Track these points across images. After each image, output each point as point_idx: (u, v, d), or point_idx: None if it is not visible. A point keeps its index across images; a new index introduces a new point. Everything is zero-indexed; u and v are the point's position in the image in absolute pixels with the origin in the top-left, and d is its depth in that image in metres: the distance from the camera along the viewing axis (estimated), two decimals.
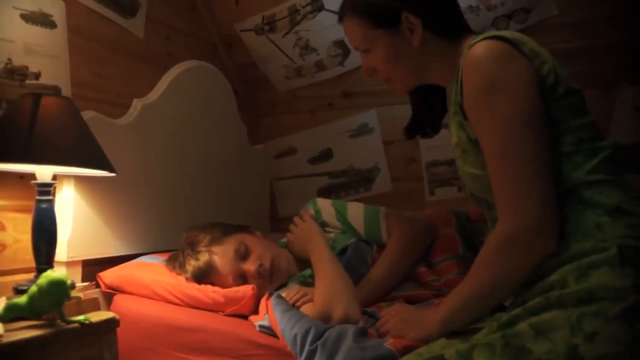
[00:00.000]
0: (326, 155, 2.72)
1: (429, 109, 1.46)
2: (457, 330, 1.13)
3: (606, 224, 1.02)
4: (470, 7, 2.18)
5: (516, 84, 1.09)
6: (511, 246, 1.06)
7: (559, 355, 0.90)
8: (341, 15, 1.35)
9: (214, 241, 1.69)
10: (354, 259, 1.66)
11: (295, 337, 1.33)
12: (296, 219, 1.80)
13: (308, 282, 1.63)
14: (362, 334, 1.27)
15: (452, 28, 1.26)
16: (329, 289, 1.49)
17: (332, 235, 1.77)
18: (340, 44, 2.49)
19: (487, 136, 1.12)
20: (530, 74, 1.10)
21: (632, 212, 1.04)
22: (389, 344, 1.19)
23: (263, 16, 2.57)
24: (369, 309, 1.50)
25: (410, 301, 1.58)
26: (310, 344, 1.28)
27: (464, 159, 1.24)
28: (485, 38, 1.14)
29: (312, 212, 1.84)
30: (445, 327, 1.11)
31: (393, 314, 1.30)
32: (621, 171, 1.14)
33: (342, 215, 1.79)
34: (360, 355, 1.18)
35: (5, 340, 1.09)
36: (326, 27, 2.46)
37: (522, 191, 1.06)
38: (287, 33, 2.56)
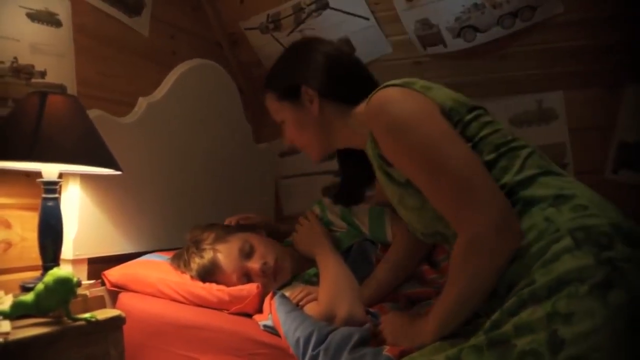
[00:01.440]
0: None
1: (357, 176, 1.56)
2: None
3: (553, 215, 1.04)
4: (475, 5, 2.18)
5: (418, 114, 1.15)
6: (476, 252, 1.06)
7: (541, 343, 0.91)
8: (263, 94, 1.49)
9: (218, 239, 1.69)
10: (358, 258, 1.67)
11: (298, 340, 1.33)
12: (301, 219, 1.80)
13: (312, 281, 1.64)
14: (363, 341, 1.28)
15: (352, 94, 1.32)
16: (333, 288, 1.50)
17: (337, 234, 1.77)
18: (345, 41, 2.48)
19: (413, 169, 1.17)
20: (428, 103, 1.17)
21: (572, 195, 1.07)
22: (386, 351, 1.21)
23: (268, 14, 2.57)
24: (372, 310, 1.50)
25: (413, 299, 1.59)
26: (313, 349, 1.29)
27: (403, 205, 1.28)
28: (377, 90, 1.22)
29: (317, 211, 1.84)
30: (436, 336, 1.12)
31: (386, 325, 1.32)
32: (549, 162, 1.18)
33: (347, 215, 1.79)
34: None
35: (12, 337, 1.10)
36: (331, 26, 2.45)
37: (465, 199, 1.07)
38: (292, 31, 2.56)
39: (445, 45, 2.36)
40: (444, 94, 1.21)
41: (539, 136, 2.36)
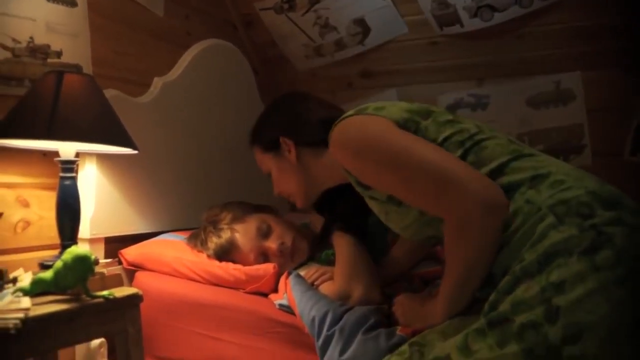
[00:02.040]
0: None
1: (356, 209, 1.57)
2: None
3: (533, 196, 1.05)
4: None
5: (375, 133, 1.20)
6: (466, 229, 1.07)
7: (538, 315, 0.92)
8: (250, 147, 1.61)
9: (235, 219, 1.70)
10: (374, 237, 1.66)
11: (313, 319, 1.34)
12: None
13: (332, 260, 1.64)
14: (378, 323, 1.29)
15: (324, 137, 1.33)
16: (349, 268, 1.50)
17: None
18: (360, 22, 2.46)
19: (388, 182, 1.21)
20: (382, 121, 1.22)
21: (547, 173, 1.08)
22: (399, 331, 1.24)
23: None
24: (387, 291, 1.50)
25: (426, 279, 1.59)
26: (328, 329, 1.30)
27: (391, 221, 1.32)
28: (333, 127, 1.28)
29: None
30: (446, 316, 1.13)
31: (399, 306, 1.33)
32: (519, 145, 1.19)
33: None
34: (374, 344, 1.22)
35: (32, 313, 1.11)
36: (346, 5, 2.43)
37: (444, 186, 1.08)
38: (306, 11, 2.53)
39: (461, 25, 2.32)
40: (397, 109, 1.25)
41: (557, 117, 2.34)
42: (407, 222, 1.25)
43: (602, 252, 0.93)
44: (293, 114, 1.51)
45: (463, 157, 1.15)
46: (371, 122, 1.23)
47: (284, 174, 1.52)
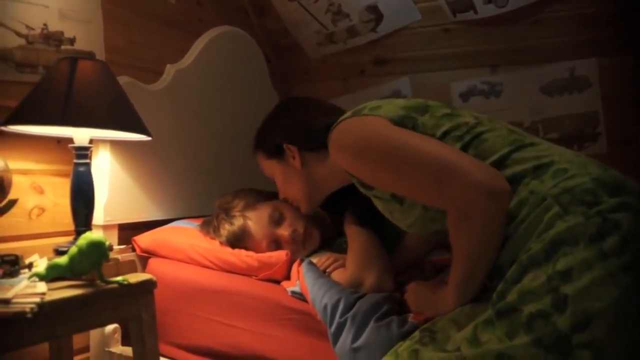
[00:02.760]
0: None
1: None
2: None
3: (537, 186, 1.05)
4: None
5: (372, 132, 1.22)
6: (470, 216, 1.06)
7: (546, 304, 0.92)
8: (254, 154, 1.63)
9: (248, 206, 1.70)
10: (386, 226, 1.65)
11: (325, 307, 1.34)
12: None
13: (344, 248, 1.64)
14: (390, 311, 1.29)
15: (327, 142, 1.34)
16: (361, 256, 1.50)
17: None
18: (373, 9, 2.45)
19: (389, 180, 1.22)
20: (378, 120, 1.22)
21: (550, 162, 1.08)
22: (411, 318, 1.24)
23: None
24: (399, 279, 1.50)
25: (439, 266, 1.59)
26: (340, 316, 1.30)
27: (396, 219, 1.32)
28: (330, 132, 1.29)
29: None
30: (457, 304, 1.13)
31: (410, 294, 1.33)
32: (520, 134, 1.19)
33: None
34: (386, 331, 1.22)
35: (48, 298, 1.12)
36: None
37: (445, 177, 1.08)
38: None
39: (475, 12, 2.31)
40: (393, 107, 1.25)
41: (571, 105, 2.32)
42: (411, 220, 1.26)
43: (608, 239, 0.93)
44: (296, 120, 1.52)
45: (463, 151, 1.14)
46: (367, 123, 1.25)
47: (289, 180, 1.54)
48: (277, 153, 1.53)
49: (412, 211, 1.23)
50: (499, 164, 1.11)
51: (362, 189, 1.33)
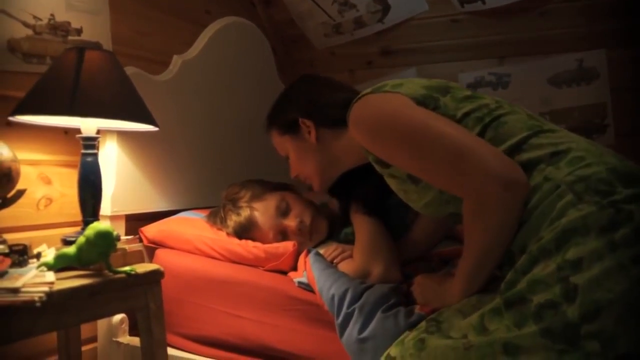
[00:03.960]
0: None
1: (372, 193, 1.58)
2: None
3: (552, 172, 1.04)
4: None
5: (393, 110, 1.19)
6: (485, 207, 1.06)
7: (556, 294, 0.92)
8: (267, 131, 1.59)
9: (255, 197, 1.70)
10: (394, 217, 1.66)
11: (332, 297, 1.35)
12: None
13: (350, 239, 1.63)
14: (397, 303, 1.29)
15: (344, 117, 1.33)
16: (368, 246, 1.50)
17: None
18: (380, 0, 2.44)
19: (406, 160, 1.19)
20: (401, 98, 1.20)
21: (567, 149, 1.07)
22: (418, 309, 1.25)
23: None
24: (406, 271, 1.50)
25: (446, 258, 1.59)
26: (348, 307, 1.30)
27: (410, 199, 1.30)
28: (351, 106, 1.27)
29: None
30: (464, 296, 1.13)
31: (417, 286, 1.33)
32: (539, 120, 1.18)
33: None
34: (393, 322, 1.23)
35: (56, 287, 1.12)
36: None
37: (463, 164, 1.07)
38: None
39: (483, 2, 2.29)
40: (415, 86, 1.23)
41: (579, 96, 2.30)
42: (426, 200, 1.24)
43: (620, 230, 0.92)
44: (312, 95, 1.49)
45: (482, 132, 1.14)
46: (389, 100, 1.22)
47: (303, 156, 1.50)
48: (292, 128, 1.49)
49: (428, 192, 1.22)
50: (516, 148, 1.10)
51: (378, 167, 1.31)
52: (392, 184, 1.32)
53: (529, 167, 1.07)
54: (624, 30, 2.19)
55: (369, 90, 1.27)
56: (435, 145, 1.11)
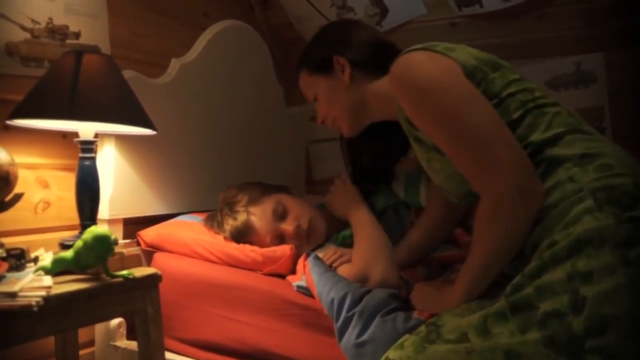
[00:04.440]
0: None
1: (388, 152, 1.61)
2: None
3: (578, 174, 1.03)
4: None
5: (439, 76, 1.15)
6: (498, 213, 1.06)
7: (563, 303, 0.92)
8: (297, 75, 1.56)
9: (251, 201, 1.70)
10: (393, 221, 1.66)
11: (332, 301, 1.34)
12: (336, 180, 1.78)
13: (347, 243, 1.63)
14: (397, 308, 1.29)
15: (381, 64, 1.33)
16: (368, 251, 1.50)
17: (371, 197, 1.75)
18: (378, 2, 2.44)
19: (436, 132, 1.18)
20: (450, 64, 1.16)
21: (598, 154, 1.06)
22: (416, 314, 1.25)
23: None
24: (404, 276, 1.49)
25: (445, 263, 1.59)
26: (347, 311, 1.30)
27: (432, 168, 1.29)
28: (398, 57, 1.22)
29: None
30: (464, 301, 1.13)
31: (416, 293, 1.34)
32: (578, 120, 1.17)
33: None
34: (392, 326, 1.22)
35: (54, 292, 1.12)
36: None
37: (487, 162, 1.07)
38: None
39: (481, 5, 2.29)
40: (467, 54, 1.20)
41: (577, 100, 2.30)
42: (449, 172, 1.23)
43: (636, 248, 0.91)
44: (347, 34, 1.46)
45: (522, 117, 1.13)
46: (438, 63, 1.17)
47: (334, 96, 1.46)
48: (324, 67, 1.45)
49: (451, 167, 1.20)
50: (550, 142, 1.10)
51: (406, 127, 1.29)
52: (417, 149, 1.30)
53: (556, 163, 1.07)
54: (622, 33, 2.19)
55: (419, 46, 1.22)
56: (466, 131, 1.10)
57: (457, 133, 1.12)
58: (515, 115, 1.13)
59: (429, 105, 1.15)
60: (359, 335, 1.25)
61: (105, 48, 1.84)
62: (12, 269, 1.19)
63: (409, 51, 1.22)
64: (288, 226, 1.65)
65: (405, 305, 1.33)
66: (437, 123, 1.15)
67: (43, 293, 1.07)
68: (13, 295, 1.04)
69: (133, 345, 1.58)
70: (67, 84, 1.33)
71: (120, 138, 1.72)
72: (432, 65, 1.17)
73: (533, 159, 1.09)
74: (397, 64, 1.21)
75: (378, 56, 1.33)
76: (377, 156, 1.66)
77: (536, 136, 1.11)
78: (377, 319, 1.25)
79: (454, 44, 1.23)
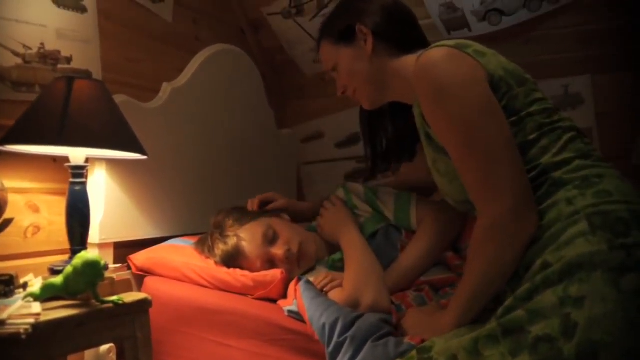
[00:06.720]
0: (353, 139, 2.71)
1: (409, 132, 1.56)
2: None
3: (576, 198, 1.05)
4: None
5: (463, 81, 1.14)
6: (493, 236, 1.07)
7: (554, 328, 0.92)
8: (317, 44, 1.55)
9: (242, 225, 1.69)
10: (383, 244, 1.65)
11: (323, 326, 1.33)
12: (327, 203, 1.79)
13: (337, 267, 1.63)
14: (388, 333, 1.28)
15: (404, 40, 1.34)
16: (359, 275, 1.49)
17: (361, 219, 1.76)
18: None
19: (448, 137, 1.18)
20: (477, 71, 1.16)
21: (599, 181, 1.07)
22: (408, 339, 1.24)
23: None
24: (395, 301, 1.49)
25: (436, 286, 1.58)
26: (339, 336, 1.29)
27: (436, 169, 1.30)
28: (428, 49, 1.21)
29: (342, 195, 1.83)
30: (456, 326, 1.14)
31: (407, 318, 1.34)
32: (590, 148, 1.17)
33: (372, 200, 1.78)
34: (383, 351, 1.22)
35: (43, 318, 1.11)
36: None
37: (489, 182, 1.09)
38: (314, 16, 2.54)
39: (470, 29, 2.32)
40: (497, 62, 1.20)
41: None
42: (453, 176, 1.23)
43: (628, 275, 0.92)
44: (372, 5, 1.43)
45: (538, 139, 1.13)
46: (465, 66, 1.16)
47: (355, 66, 1.43)
48: (346, 36, 1.43)
49: (455, 172, 1.21)
50: (559, 165, 1.11)
51: (419, 121, 1.28)
52: (426, 145, 1.30)
53: (558, 184, 1.08)
54: (608, 57, 2.23)
55: (451, 42, 1.21)
56: (475, 144, 1.11)
57: (468, 145, 1.12)
58: (531, 137, 1.14)
59: (445, 107, 1.15)
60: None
61: (97, 72, 1.85)
62: (0, 295, 1.18)
63: (440, 45, 1.21)
64: (278, 250, 1.65)
65: (397, 331, 1.33)
66: (448, 127, 1.16)
67: (31, 320, 1.06)
68: (1, 323, 1.03)
69: None
70: (58, 110, 1.34)
71: (112, 162, 1.72)
72: (458, 68, 1.16)
73: (538, 179, 1.11)
74: (425, 56, 1.19)
75: (400, 29, 1.33)
76: (398, 134, 1.64)
77: (547, 159, 1.12)
78: (369, 344, 1.25)
79: (486, 49, 1.23)
